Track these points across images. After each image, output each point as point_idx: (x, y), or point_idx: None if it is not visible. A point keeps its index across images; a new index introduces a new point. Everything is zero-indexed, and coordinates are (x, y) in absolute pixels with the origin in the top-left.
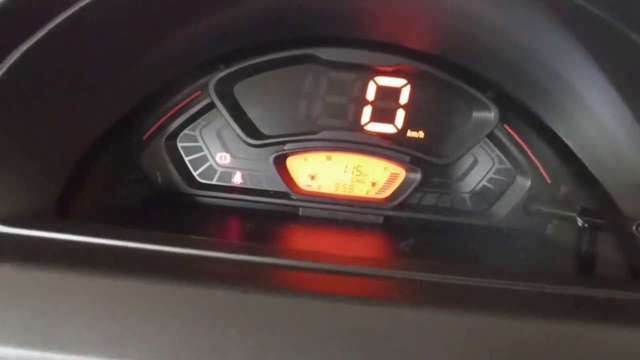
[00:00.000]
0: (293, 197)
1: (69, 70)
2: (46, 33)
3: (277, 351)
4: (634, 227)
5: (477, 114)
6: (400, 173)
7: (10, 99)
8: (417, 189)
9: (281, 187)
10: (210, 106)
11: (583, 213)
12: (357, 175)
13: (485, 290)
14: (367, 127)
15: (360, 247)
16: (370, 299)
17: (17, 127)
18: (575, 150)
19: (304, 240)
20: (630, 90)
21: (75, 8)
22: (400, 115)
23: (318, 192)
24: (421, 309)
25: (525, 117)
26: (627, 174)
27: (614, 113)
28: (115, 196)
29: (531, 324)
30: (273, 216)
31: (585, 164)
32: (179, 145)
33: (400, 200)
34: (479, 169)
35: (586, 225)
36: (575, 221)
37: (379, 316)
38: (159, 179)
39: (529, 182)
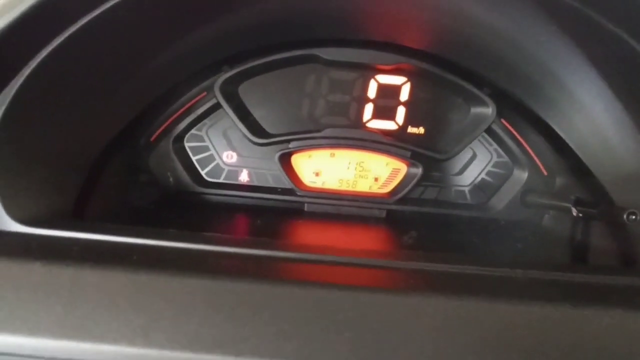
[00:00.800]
0: (298, 193)
1: (83, 77)
2: (61, 42)
3: (294, 338)
4: (624, 216)
5: (475, 110)
6: (402, 168)
7: (28, 107)
8: (418, 183)
9: (287, 184)
10: (216, 107)
11: (577, 203)
12: (360, 171)
13: (486, 278)
14: (369, 124)
15: (365, 241)
16: (378, 288)
17: (36, 134)
18: (570, 143)
19: (310, 234)
20: (620, 86)
21: (90, 17)
22: (401, 112)
23: (322, 188)
24: (426, 296)
25: (522, 112)
26: (618, 165)
27: (604, 108)
28: (127, 197)
29: (529, 307)
30: (279, 212)
31: (579, 156)
32: (187, 145)
33: (402, 194)
34: (477, 163)
35: (580, 215)
36: (570, 211)
37: (387, 303)
38: (171, 179)
39: (526, 175)
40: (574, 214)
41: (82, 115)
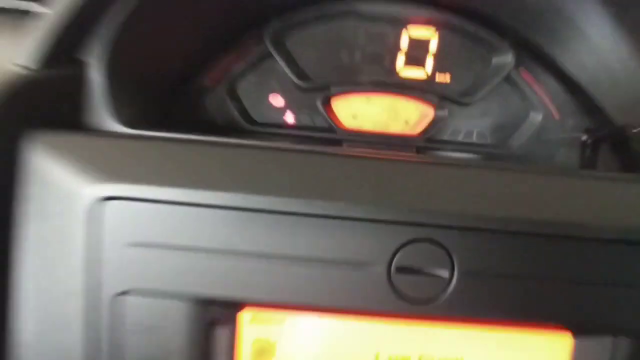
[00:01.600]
0: (338, 132)
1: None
2: None
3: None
4: (632, 130)
5: (496, 59)
6: (430, 112)
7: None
8: (444, 125)
9: (328, 124)
10: (266, 55)
11: (587, 131)
12: (392, 114)
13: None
14: (401, 73)
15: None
16: (426, 162)
17: (134, 56)
18: (580, 81)
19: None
20: (627, 26)
21: None
22: (429, 62)
23: (359, 129)
24: (469, 168)
25: (538, 60)
26: (623, 95)
27: (612, 46)
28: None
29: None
30: None
31: (589, 92)
32: (238, 89)
33: (430, 134)
34: (497, 108)
35: (590, 140)
36: (580, 142)
37: (433, 172)
38: (223, 118)
39: (540, 117)
40: (583, 138)
41: (171, 44)
